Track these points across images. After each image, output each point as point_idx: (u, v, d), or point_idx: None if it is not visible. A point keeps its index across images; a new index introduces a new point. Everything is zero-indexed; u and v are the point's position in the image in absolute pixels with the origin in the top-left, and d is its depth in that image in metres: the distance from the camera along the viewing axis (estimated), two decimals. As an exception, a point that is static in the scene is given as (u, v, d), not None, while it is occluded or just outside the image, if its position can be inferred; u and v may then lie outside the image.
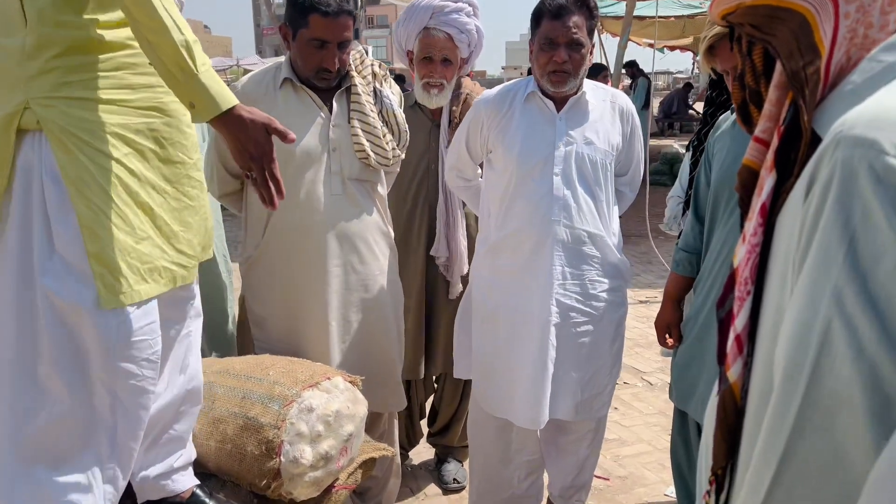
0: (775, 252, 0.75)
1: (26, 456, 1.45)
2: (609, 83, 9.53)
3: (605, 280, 2.23)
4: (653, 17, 6.34)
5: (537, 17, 2.14)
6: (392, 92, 2.28)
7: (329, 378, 1.86)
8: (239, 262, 2.27)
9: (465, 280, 2.65)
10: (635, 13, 9.30)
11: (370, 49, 3.02)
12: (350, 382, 1.92)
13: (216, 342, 2.50)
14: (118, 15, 1.46)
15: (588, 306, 2.20)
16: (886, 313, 0.59)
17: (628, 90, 11.48)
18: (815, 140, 0.72)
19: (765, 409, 0.70)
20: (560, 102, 2.20)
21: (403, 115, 2.29)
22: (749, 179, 0.84)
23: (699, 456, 0.95)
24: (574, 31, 2.08)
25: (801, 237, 0.67)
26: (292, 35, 2.10)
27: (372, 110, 2.19)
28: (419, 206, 2.64)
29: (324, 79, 2.12)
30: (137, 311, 1.46)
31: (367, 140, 2.16)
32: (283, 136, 1.51)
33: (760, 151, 0.83)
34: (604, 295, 2.22)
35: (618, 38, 6.36)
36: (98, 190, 1.41)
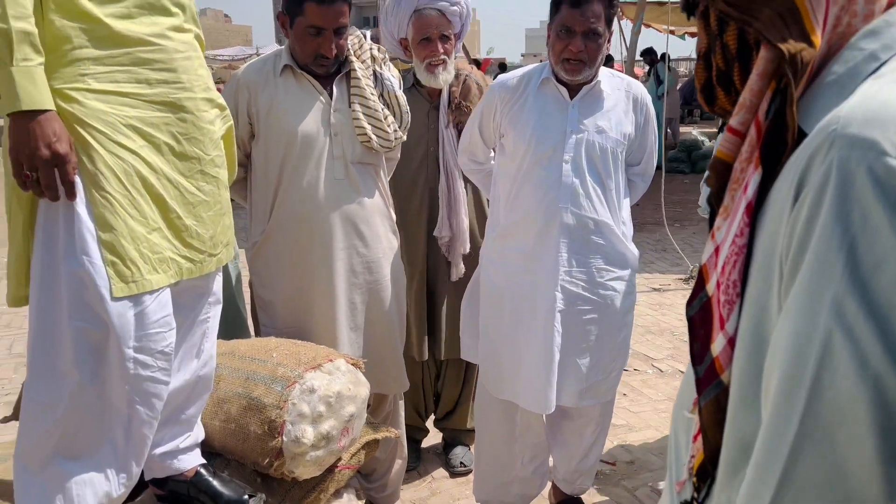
0: (755, 249, 0.72)
1: (46, 446, 1.50)
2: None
3: (613, 269, 2.22)
4: (671, 2, 6.28)
5: (556, 3, 2.13)
6: (392, 74, 2.29)
7: (331, 360, 1.89)
8: (245, 248, 2.31)
9: (467, 262, 2.67)
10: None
11: (368, 33, 2.97)
12: (352, 364, 1.95)
13: (221, 326, 2.54)
14: (127, 9, 1.49)
15: (594, 294, 2.20)
16: (890, 324, 0.56)
17: (646, 78, 11.37)
18: (800, 135, 0.68)
19: (743, 411, 0.69)
20: (574, 89, 2.19)
21: (405, 97, 2.31)
22: (724, 172, 0.79)
23: (669, 444, 0.94)
24: (592, 20, 2.07)
25: (792, 242, 0.64)
26: (290, 23, 2.12)
27: (372, 93, 2.20)
28: (419, 187, 2.66)
29: (322, 65, 2.14)
30: (153, 304, 1.50)
31: (369, 123, 2.18)
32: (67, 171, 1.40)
33: (735, 143, 0.78)
34: (611, 283, 2.22)
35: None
36: (113, 180, 1.45)
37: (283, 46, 2.24)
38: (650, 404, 3.54)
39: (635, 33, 5.13)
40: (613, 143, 2.19)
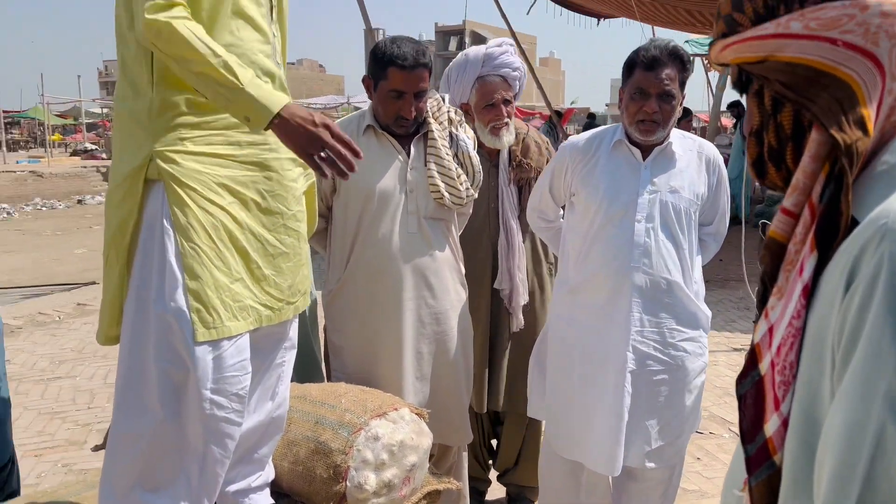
0: (807, 331, 0.73)
1: (129, 475, 1.62)
2: (692, 128, 9.29)
3: (685, 329, 2.21)
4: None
5: (630, 66, 2.17)
6: (467, 136, 2.40)
7: (396, 409, 1.96)
8: (321, 294, 2.42)
9: (527, 317, 2.71)
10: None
11: (446, 97, 3.10)
12: (417, 414, 2.01)
13: (296, 368, 2.65)
14: (246, 68, 1.62)
15: (666, 355, 2.19)
16: None
17: (733, 130, 11.16)
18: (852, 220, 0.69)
19: (795, 495, 0.69)
20: (646, 150, 2.22)
21: (478, 157, 2.40)
22: (778, 252, 0.80)
23: None
24: (666, 82, 2.11)
25: (844, 330, 0.65)
26: (374, 86, 2.27)
27: (447, 154, 2.31)
28: (483, 241, 2.72)
29: (402, 126, 2.27)
30: (231, 348, 1.61)
31: (443, 181, 2.28)
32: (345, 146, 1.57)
33: (789, 224, 0.79)
34: (683, 344, 2.21)
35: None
36: (203, 234, 1.58)
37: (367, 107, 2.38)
38: (725, 469, 3.40)
39: (720, 88, 5.08)
40: (686, 203, 2.20)
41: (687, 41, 12.60)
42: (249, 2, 1.64)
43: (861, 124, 0.71)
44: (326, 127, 1.55)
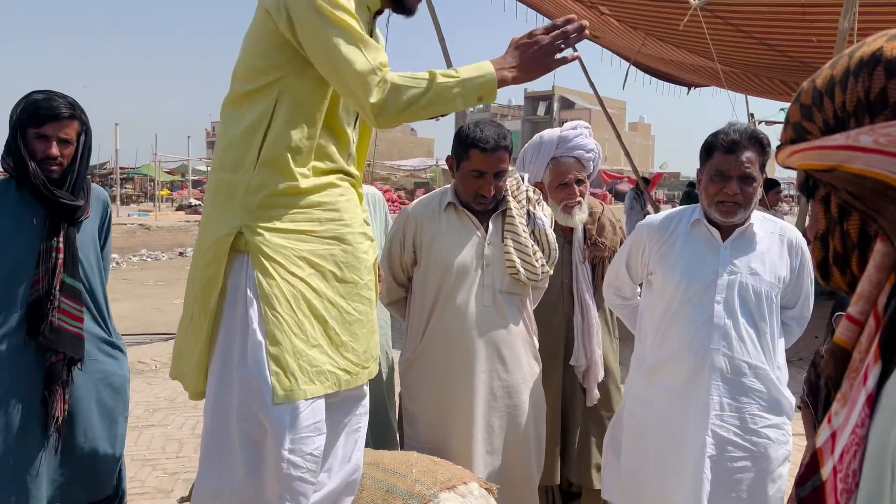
0: (870, 440, 0.73)
1: None
2: (781, 199, 9.00)
3: (767, 416, 2.15)
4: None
5: (709, 149, 2.19)
6: (545, 214, 2.47)
7: (465, 482, 1.99)
8: (398, 361, 2.51)
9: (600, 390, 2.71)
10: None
11: (525, 176, 3.20)
12: (485, 489, 2.03)
13: (371, 431, 2.72)
14: (331, 164, 1.81)
15: (748, 441, 2.13)
16: None
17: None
18: None
19: None
20: (726, 231, 2.22)
21: (554, 236, 2.46)
22: (842, 359, 0.80)
23: None
24: (747, 165, 2.11)
25: None
26: (456, 165, 2.39)
27: (524, 231, 2.39)
28: (556, 317, 2.75)
29: (481, 203, 2.37)
30: (307, 410, 1.71)
31: (518, 257, 2.35)
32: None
33: (854, 332, 0.79)
34: (765, 431, 2.15)
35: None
36: (284, 303, 1.71)
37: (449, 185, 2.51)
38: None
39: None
40: (768, 286, 2.17)
41: (782, 108, 12.37)
42: (345, 114, 1.84)
43: None
44: (531, 38, 1.70)
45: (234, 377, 1.71)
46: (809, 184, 0.87)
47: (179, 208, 28.93)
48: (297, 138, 1.74)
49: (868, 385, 0.74)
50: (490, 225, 2.40)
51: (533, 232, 2.43)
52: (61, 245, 2.19)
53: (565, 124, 2.81)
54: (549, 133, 2.76)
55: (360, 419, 1.93)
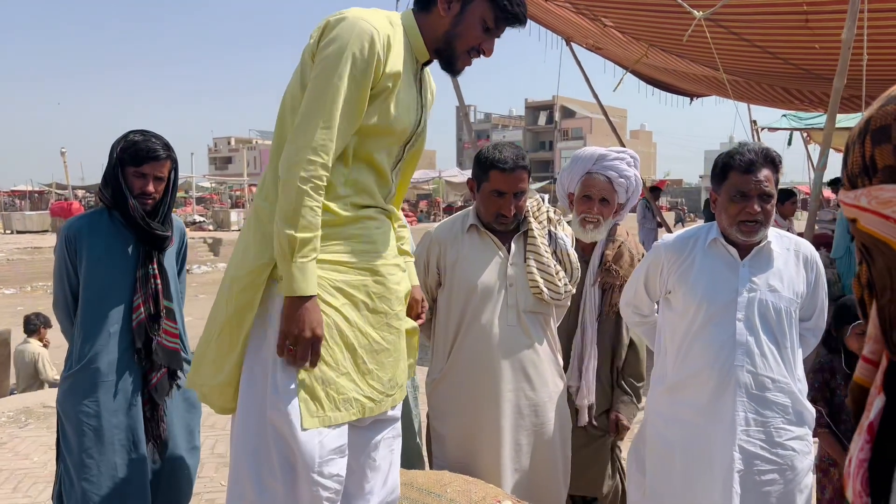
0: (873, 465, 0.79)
1: None
2: (796, 208, 9.04)
3: (791, 428, 2.19)
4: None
5: (724, 169, 2.22)
6: (566, 234, 2.52)
7: (499, 501, 2.02)
8: (425, 382, 2.54)
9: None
10: (841, 125, 8.90)
11: (546, 197, 3.23)
12: (517, 506, 2.06)
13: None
14: (369, 200, 1.86)
15: (774, 454, 2.16)
16: None
17: (836, 206, 10.79)
18: None
19: None
20: (743, 249, 2.25)
21: (576, 255, 2.50)
22: (860, 396, 0.88)
23: None
24: (765, 184, 2.16)
25: None
26: (477, 187, 2.44)
27: (546, 251, 2.43)
28: (561, 335, 2.75)
29: (502, 223, 2.42)
30: (332, 434, 1.76)
31: (541, 277, 2.39)
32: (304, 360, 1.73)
33: (870, 371, 0.87)
34: (790, 443, 2.18)
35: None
36: None
37: (471, 205, 2.55)
38: (840, 577, 3.21)
39: (820, 169, 5.00)
40: (787, 302, 2.21)
41: (784, 115, 12.41)
42: (386, 157, 1.89)
43: None
44: (310, 341, 1.71)
45: (269, 402, 1.75)
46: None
47: (185, 225, 29.02)
48: (330, 173, 1.78)
49: (871, 415, 0.82)
50: (512, 246, 2.44)
51: (555, 252, 2.47)
52: (157, 272, 2.40)
53: (611, 147, 2.84)
54: (591, 149, 2.80)
55: (394, 442, 1.98)
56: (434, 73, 2.05)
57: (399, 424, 1.99)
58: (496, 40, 1.91)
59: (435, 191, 33.63)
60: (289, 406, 1.72)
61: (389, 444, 1.96)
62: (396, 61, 1.80)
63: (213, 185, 49.13)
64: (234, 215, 27.83)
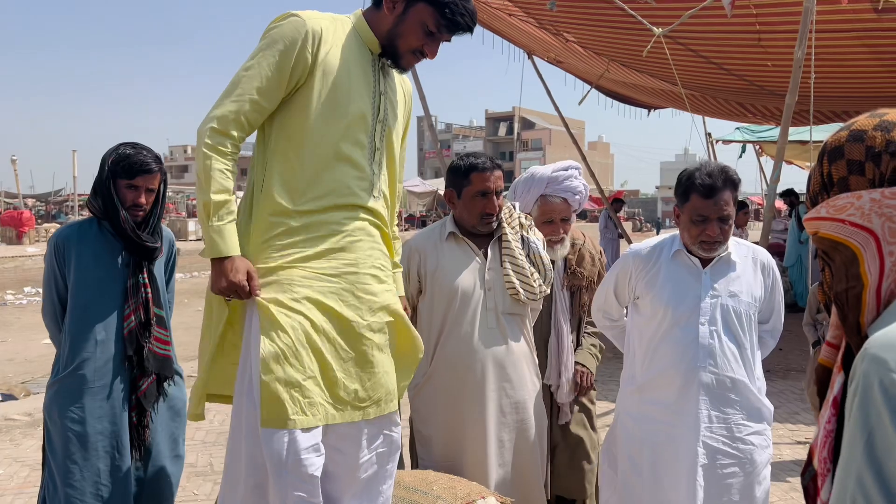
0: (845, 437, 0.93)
1: None
2: (748, 218, 9.39)
3: (750, 424, 2.34)
4: (814, 141, 6.42)
5: (686, 191, 2.31)
6: (537, 238, 2.64)
7: (483, 497, 2.12)
8: (407, 388, 2.62)
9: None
10: (795, 139, 9.26)
11: (517, 204, 3.33)
12: (501, 503, 2.16)
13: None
14: (336, 198, 1.91)
15: (735, 449, 2.31)
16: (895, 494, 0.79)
17: (787, 216, 11.21)
18: None
19: None
20: (705, 259, 2.39)
21: (548, 256, 2.63)
22: (824, 376, 1.05)
23: None
24: (725, 207, 2.28)
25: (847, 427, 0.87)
26: (457, 194, 2.54)
27: (520, 254, 2.55)
28: (535, 338, 2.84)
29: (487, 222, 2.53)
30: (303, 437, 1.80)
31: (517, 279, 2.51)
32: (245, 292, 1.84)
33: (832, 353, 1.03)
34: (750, 438, 2.33)
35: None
36: (283, 335, 1.82)
37: (434, 214, 2.65)
38: (797, 567, 3.37)
39: (774, 181, 5.24)
40: (746, 306, 2.36)
41: (738, 128, 12.83)
42: (352, 147, 1.94)
43: (857, 277, 0.98)
44: (237, 285, 1.83)
45: (245, 402, 1.83)
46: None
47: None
48: (285, 172, 1.89)
49: (835, 390, 0.99)
50: (489, 251, 2.55)
51: (528, 255, 2.58)
52: (147, 280, 2.43)
53: (557, 163, 2.92)
54: (542, 171, 2.88)
55: (386, 457, 1.99)
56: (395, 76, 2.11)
57: (395, 438, 2.01)
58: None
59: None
60: (256, 406, 1.79)
61: (384, 460, 1.98)
62: (336, 51, 1.91)
63: (170, 193, 48.21)
64: (192, 225, 27.38)
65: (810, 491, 1.02)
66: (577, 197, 2.87)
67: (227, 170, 1.85)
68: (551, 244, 2.82)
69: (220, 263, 1.82)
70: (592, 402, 2.94)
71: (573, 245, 2.92)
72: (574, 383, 2.80)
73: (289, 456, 1.77)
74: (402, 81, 2.16)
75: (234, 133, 1.85)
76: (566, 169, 2.85)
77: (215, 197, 1.81)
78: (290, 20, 1.90)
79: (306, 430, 1.80)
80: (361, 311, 1.91)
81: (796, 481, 4.37)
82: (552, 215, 2.83)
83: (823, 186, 1.03)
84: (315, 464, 1.81)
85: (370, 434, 1.96)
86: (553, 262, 2.83)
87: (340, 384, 1.87)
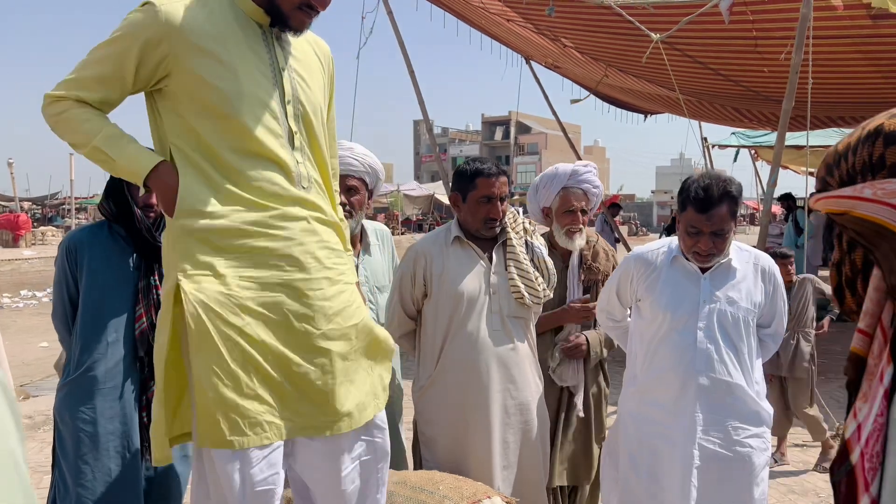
0: (890, 426, 0.92)
1: None
2: (743, 222, 9.38)
3: (748, 427, 2.37)
4: (810, 146, 6.47)
5: (683, 202, 2.32)
6: (541, 243, 2.69)
7: (489, 497, 2.15)
8: (412, 390, 2.66)
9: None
10: (792, 143, 9.33)
11: (521, 209, 3.39)
12: (506, 503, 2.19)
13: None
14: (269, 198, 1.74)
15: (731, 452, 2.34)
16: None
17: (783, 221, 11.26)
18: None
19: None
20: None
21: (552, 261, 2.67)
22: (858, 364, 1.01)
23: None
24: (719, 222, 2.26)
25: None
26: (463, 199, 2.58)
27: (525, 258, 2.59)
28: (548, 335, 2.90)
29: (491, 227, 2.57)
30: (257, 455, 1.68)
31: (522, 282, 2.55)
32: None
33: (864, 342, 1.00)
34: (747, 441, 2.36)
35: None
36: (214, 354, 1.65)
37: (431, 217, 2.69)
38: (795, 567, 3.41)
39: (771, 185, 5.29)
40: (744, 313, 2.40)
41: (734, 132, 12.90)
42: (263, 138, 1.74)
43: None
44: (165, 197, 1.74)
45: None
46: (830, 223, 1.13)
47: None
48: (195, 184, 1.72)
49: (885, 382, 0.96)
50: (494, 255, 2.59)
51: (532, 259, 2.63)
52: (158, 283, 2.42)
53: (577, 161, 3.05)
54: (564, 166, 2.98)
55: (373, 465, 1.91)
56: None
57: (384, 444, 1.94)
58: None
59: (392, 204, 33.63)
60: (194, 427, 1.73)
61: (370, 467, 1.89)
62: (208, 36, 1.72)
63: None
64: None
65: (842, 487, 0.99)
66: (595, 191, 2.97)
67: (84, 115, 1.72)
68: (570, 234, 2.89)
69: (156, 180, 1.71)
70: (605, 385, 2.99)
71: (588, 242, 2.98)
72: (568, 345, 2.82)
73: (242, 480, 1.68)
74: (314, 45, 1.95)
75: (70, 95, 1.73)
76: (586, 165, 2.98)
77: (99, 141, 1.71)
78: (145, 7, 1.72)
79: (264, 451, 1.70)
80: (314, 321, 1.76)
81: (795, 483, 4.41)
82: (573, 204, 2.90)
83: (867, 167, 0.99)
84: (274, 487, 1.72)
85: (347, 445, 1.84)
86: (570, 252, 2.90)
87: (293, 397, 1.74)
